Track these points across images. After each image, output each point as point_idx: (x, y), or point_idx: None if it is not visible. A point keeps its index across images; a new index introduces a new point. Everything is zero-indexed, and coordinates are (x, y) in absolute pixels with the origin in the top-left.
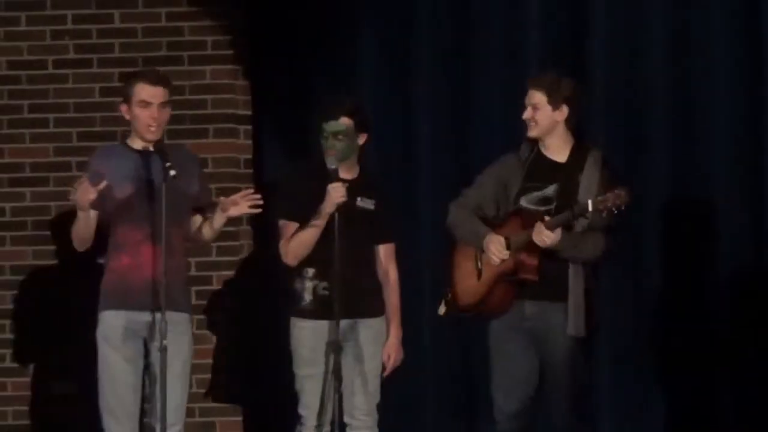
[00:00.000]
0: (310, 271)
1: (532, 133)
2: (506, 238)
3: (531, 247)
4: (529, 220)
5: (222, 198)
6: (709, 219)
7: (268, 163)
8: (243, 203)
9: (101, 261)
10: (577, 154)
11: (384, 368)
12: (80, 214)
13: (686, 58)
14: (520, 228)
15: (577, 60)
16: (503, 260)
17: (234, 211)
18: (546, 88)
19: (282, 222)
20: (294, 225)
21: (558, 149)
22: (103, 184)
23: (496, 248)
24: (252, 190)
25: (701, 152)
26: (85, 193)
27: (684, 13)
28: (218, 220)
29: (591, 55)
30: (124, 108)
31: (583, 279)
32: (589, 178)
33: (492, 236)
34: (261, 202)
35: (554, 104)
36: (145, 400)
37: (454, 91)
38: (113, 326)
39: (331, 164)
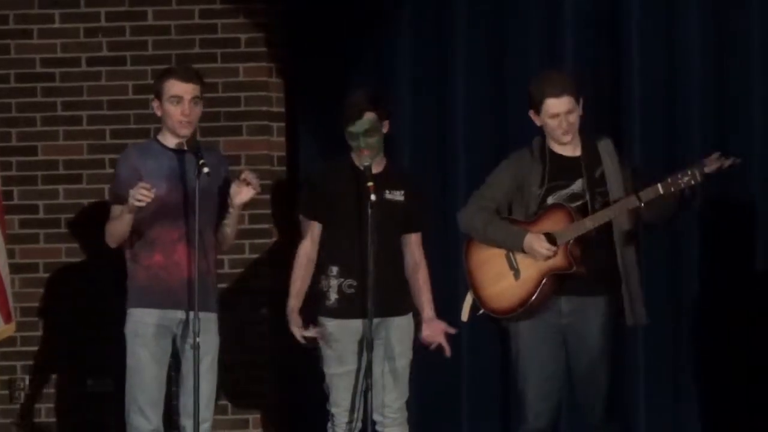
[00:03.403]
0: (335, 270)
1: (571, 138)
2: (546, 234)
3: (577, 240)
4: (576, 213)
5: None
6: (748, 218)
7: (302, 160)
8: (251, 182)
9: (128, 257)
10: (588, 145)
11: (426, 356)
12: (125, 216)
13: (723, 54)
14: (563, 222)
15: (613, 54)
16: (548, 257)
17: (239, 199)
18: (571, 90)
19: (302, 219)
20: (316, 224)
21: (572, 144)
22: (155, 191)
23: (541, 246)
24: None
25: (738, 149)
26: (144, 196)
27: (721, 9)
28: (231, 213)
29: (627, 47)
30: (156, 104)
31: (636, 267)
32: (611, 167)
33: (532, 235)
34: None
35: (578, 102)
36: (173, 397)
37: (490, 85)
38: (145, 323)
39: (364, 162)
